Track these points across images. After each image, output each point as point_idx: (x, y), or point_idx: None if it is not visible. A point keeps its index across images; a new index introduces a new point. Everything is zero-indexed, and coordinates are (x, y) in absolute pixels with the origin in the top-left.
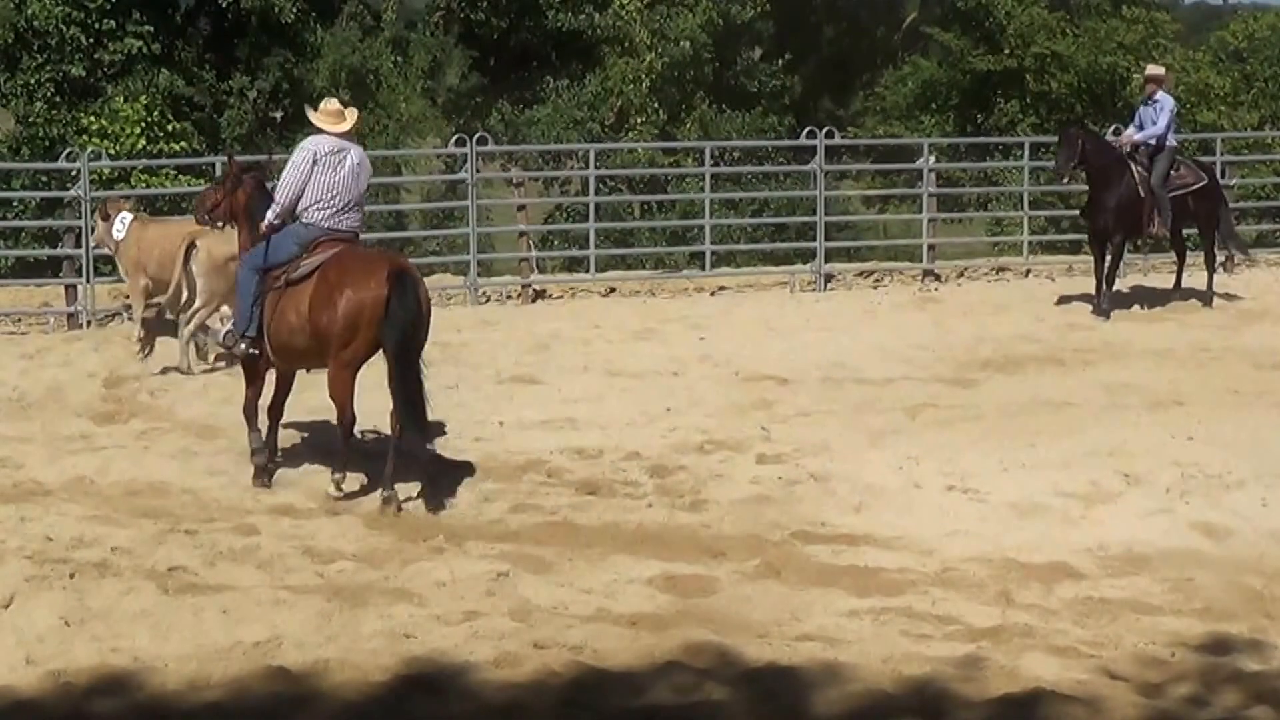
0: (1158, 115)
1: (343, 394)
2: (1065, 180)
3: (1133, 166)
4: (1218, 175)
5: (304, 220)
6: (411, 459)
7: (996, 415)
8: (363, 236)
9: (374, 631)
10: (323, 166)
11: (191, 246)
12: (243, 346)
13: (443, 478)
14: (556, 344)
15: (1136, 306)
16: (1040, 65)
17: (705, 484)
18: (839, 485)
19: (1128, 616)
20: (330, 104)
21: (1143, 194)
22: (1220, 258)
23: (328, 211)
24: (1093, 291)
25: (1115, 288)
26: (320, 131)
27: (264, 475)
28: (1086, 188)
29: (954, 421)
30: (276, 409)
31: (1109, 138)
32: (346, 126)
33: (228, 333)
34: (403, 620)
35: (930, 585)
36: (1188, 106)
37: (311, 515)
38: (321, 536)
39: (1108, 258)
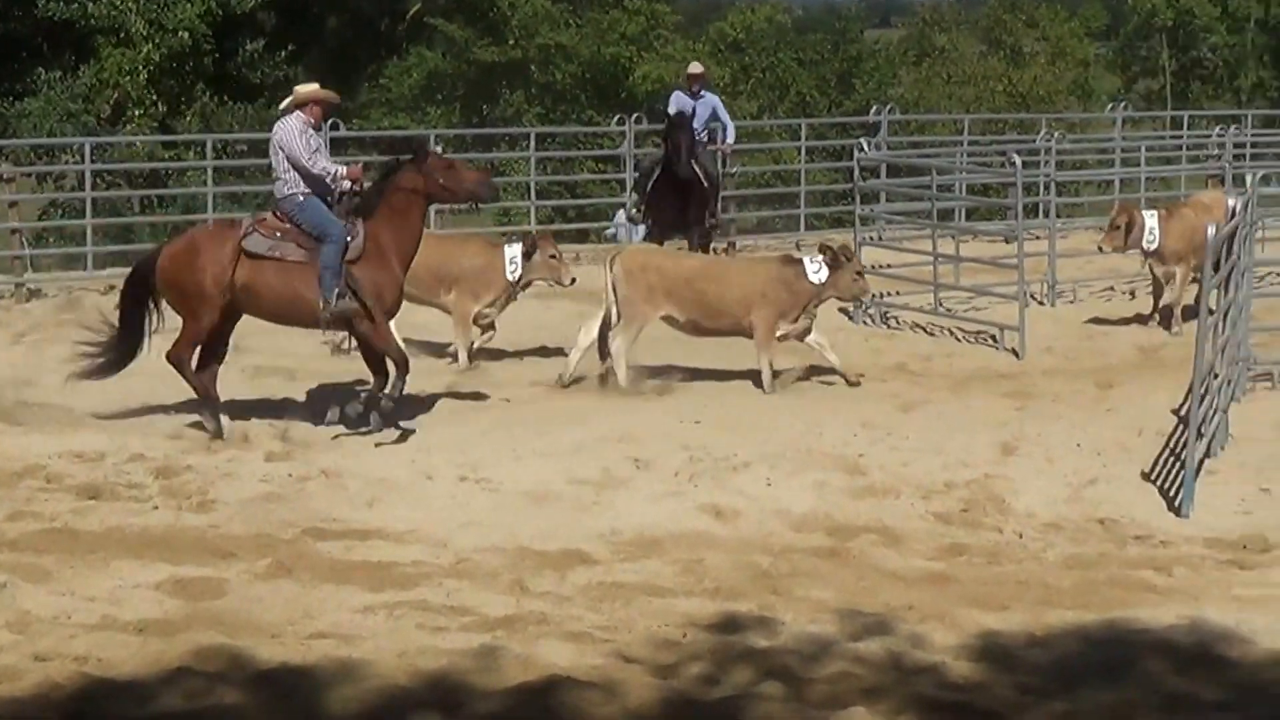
0: (719, 113)
1: None
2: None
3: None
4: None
5: None
6: None
7: (508, 405)
8: None
9: None
10: None
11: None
12: None
13: None
14: (53, 344)
15: None
16: (544, 56)
17: (213, 484)
18: (350, 480)
19: (640, 600)
20: None
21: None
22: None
23: None
24: None
25: None
26: None
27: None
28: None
29: (465, 413)
30: None
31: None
32: None
33: None
34: None
35: (445, 577)
36: None
37: None
38: None
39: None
